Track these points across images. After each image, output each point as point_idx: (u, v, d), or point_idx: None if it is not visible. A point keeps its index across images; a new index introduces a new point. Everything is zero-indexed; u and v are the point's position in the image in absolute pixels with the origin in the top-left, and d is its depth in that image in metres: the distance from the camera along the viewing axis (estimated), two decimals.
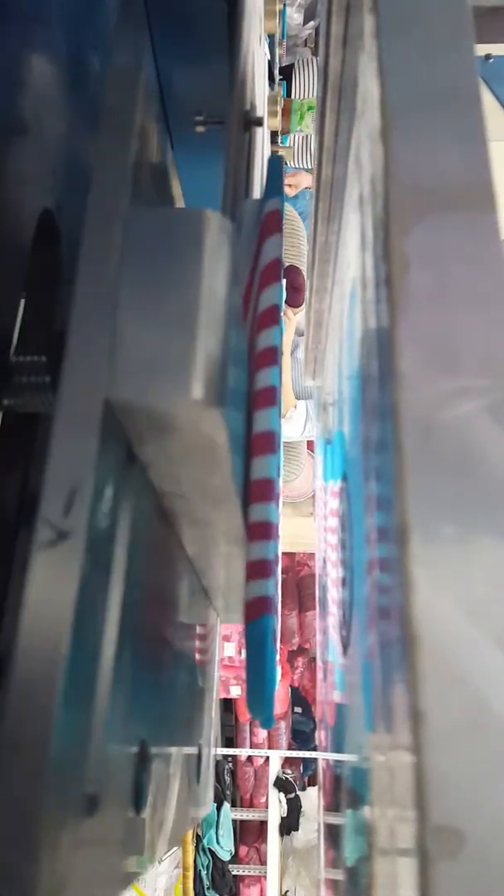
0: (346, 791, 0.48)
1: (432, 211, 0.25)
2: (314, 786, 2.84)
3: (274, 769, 2.90)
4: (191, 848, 2.46)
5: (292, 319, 1.76)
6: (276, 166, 0.43)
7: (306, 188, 2.42)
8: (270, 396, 0.35)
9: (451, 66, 0.28)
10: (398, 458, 0.22)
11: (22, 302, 0.34)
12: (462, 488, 0.21)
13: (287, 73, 2.60)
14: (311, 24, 2.89)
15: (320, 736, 0.88)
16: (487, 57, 1.42)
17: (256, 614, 0.32)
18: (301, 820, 2.83)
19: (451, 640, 0.20)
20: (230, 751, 2.91)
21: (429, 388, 0.23)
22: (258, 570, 0.33)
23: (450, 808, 0.18)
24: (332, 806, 0.62)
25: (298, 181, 2.44)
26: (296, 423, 1.81)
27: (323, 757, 0.81)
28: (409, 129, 0.27)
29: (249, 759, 3.01)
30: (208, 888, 2.67)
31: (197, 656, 0.53)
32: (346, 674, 0.50)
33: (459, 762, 0.18)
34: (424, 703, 0.19)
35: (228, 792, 2.87)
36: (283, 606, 2.72)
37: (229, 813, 2.78)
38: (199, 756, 0.54)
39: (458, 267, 0.24)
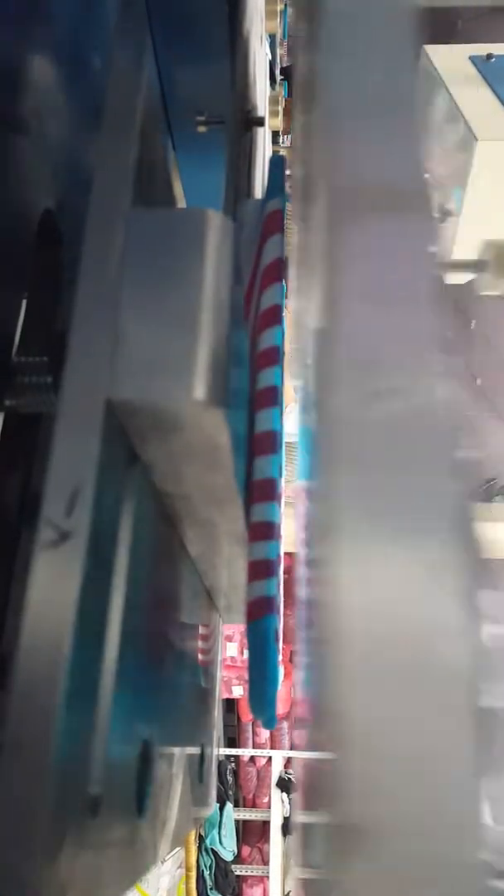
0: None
1: (368, 213, 0.26)
2: None
3: (276, 769, 2.90)
4: (193, 848, 2.46)
5: None
6: (278, 166, 0.43)
7: None
8: (272, 396, 0.35)
9: (392, 69, 0.28)
10: (324, 457, 0.22)
11: (24, 302, 0.33)
12: (388, 491, 0.21)
13: (288, 73, 2.59)
14: None
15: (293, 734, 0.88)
16: (489, 56, 1.41)
17: (258, 614, 0.32)
18: None
19: (370, 639, 0.20)
20: (233, 751, 2.91)
21: (355, 388, 0.23)
22: (260, 570, 0.33)
23: (359, 807, 0.18)
24: (308, 805, 0.62)
25: None
26: (296, 418, 1.80)
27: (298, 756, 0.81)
28: (347, 131, 0.27)
29: (252, 759, 3.01)
30: (211, 888, 2.67)
31: (199, 656, 0.53)
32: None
33: (372, 761, 0.18)
34: (338, 703, 0.19)
35: (231, 792, 2.87)
36: (285, 606, 2.71)
37: (232, 813, 2.78)
38: (202, 756, 0.54)
39: (392, 269, 0.25)
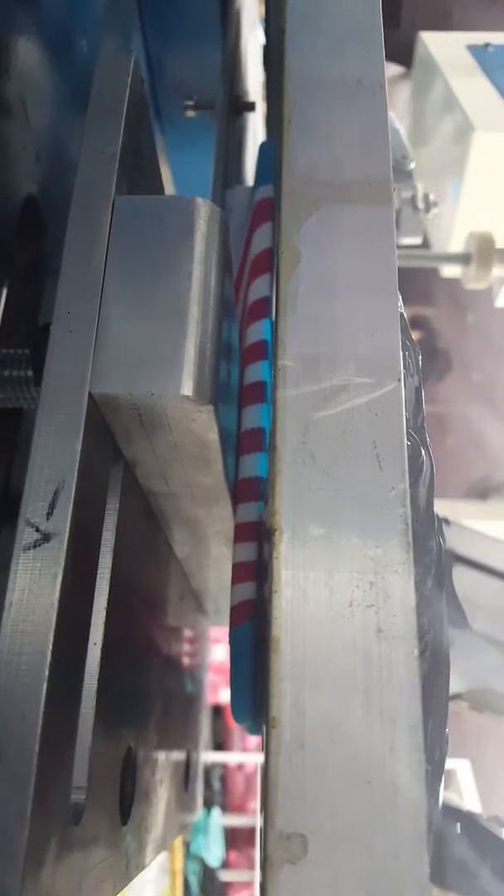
0: None
1: (327, 204, 0.25)
2: None
3: None
4: (179, 854, 2.45)
5: None
6: (268, 152, 0.42)
7: None
8: (258, 392, 0.34)
9: (356, 58, 0.28)
10: (274, 456, 0.22)
11: (4, 292, 0.33)
12: (335, 489, 0.21)
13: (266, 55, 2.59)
14: None
15: None
16: (486, 46, 1.41)
17: (242, 618, 0.31)
18: None
19: (310, 645, 0.19)
20: (220, 755, 2.91)
21: (309, 385, 0.23)
22: (245, 572, 0.32)
23: (295, 815, 0.18)
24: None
25: None
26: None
27: None
28: (308, 120, 0.27)
29: (240, 764, 3.00)
30: (197, 895, 2.65)
31: (186, 660, 0.52)
32: None
33: (308, 769, 0.18)
34: (277, 709, 0.19)
35: (219, 797, 2.86)
36: None
37: (219, 819, 2.77)
38: (188, 762, 0.53)
39: (349, 261, 0.24)
